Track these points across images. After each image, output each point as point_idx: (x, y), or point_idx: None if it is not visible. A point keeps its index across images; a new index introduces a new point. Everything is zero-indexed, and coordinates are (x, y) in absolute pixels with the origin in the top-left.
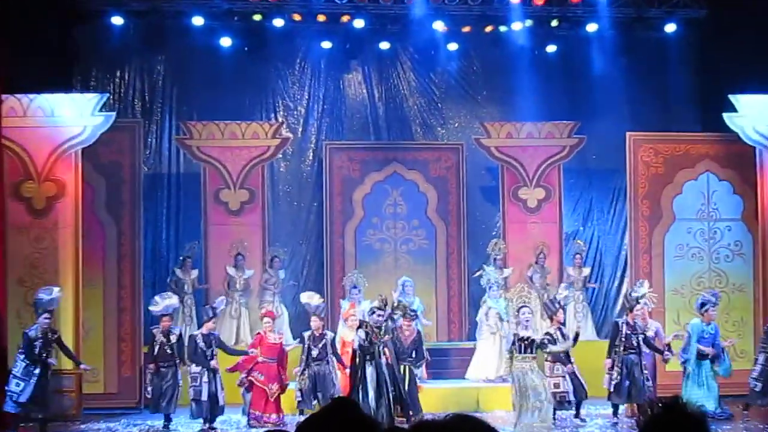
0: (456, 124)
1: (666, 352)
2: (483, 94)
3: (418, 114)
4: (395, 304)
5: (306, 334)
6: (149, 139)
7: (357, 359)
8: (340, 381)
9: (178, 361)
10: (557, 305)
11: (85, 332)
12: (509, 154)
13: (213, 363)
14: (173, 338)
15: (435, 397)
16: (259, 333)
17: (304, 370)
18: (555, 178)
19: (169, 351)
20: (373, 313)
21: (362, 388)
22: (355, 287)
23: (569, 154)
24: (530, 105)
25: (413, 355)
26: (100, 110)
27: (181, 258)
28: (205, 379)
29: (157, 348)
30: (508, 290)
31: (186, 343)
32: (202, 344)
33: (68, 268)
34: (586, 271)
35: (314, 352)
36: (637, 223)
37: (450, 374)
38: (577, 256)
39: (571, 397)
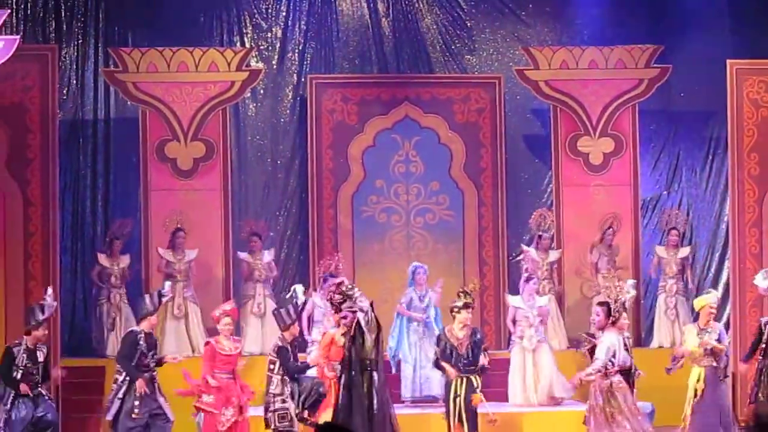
0: (490, 50)
1: None
2: (528, 8)
3: (438, 36)
4: (464, 294)
5: (288, 346)
6: (67, 73)
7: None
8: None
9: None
10: (621, 307)
11: None
12: (564, 91)
13: (144, 377)
14: (40, 356)
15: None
16: (208, 342)
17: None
18: (628, 125)
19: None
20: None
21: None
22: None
23: (648, 90)
24: (593, 22)
25: (471, 360)
26: None
27: (107, 239)
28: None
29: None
30: (554, 280)
31: (121, 340)
32: (143, 345)
33: None
34: (684, 251)
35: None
36: (741, 185)
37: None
38: (673, 231)
39: None
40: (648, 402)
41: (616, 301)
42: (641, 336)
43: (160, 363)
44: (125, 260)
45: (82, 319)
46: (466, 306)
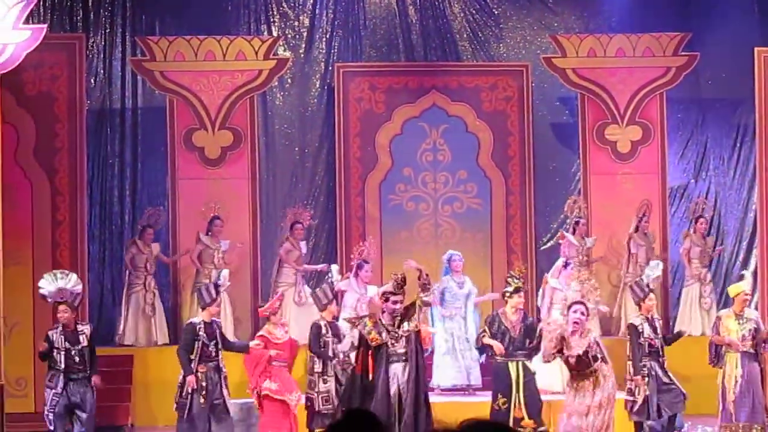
0: (518, 38)
1: None
2: None
3: (465, 24)
4: (513, 278)
5: (323, 323)
6: (94, 62)
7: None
8: None
9: (88, 371)
10: (646, 289)
11: (8, 329)
12: (592, 79)
13: (214, 365)
14: (83, 340)
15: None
16: (261, 335)
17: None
18: (655, 113)
19: (77, 357)
20: (387, 299)
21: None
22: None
23: (675, 78)
24: (621, 10)
25: (525, 345)
26: (27, 21)
27: (140, 227)
28: (189, 389)
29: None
30: (590, 267)
31: (183, 335)
32: (203, 336)
33: None
34: (711, 240)
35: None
36: None
37: None
38: (701, 220)
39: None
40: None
41: (588, 299)
42: (669, 323)
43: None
44: (156, 248)
45: (111, 307)
46: (517, 290)
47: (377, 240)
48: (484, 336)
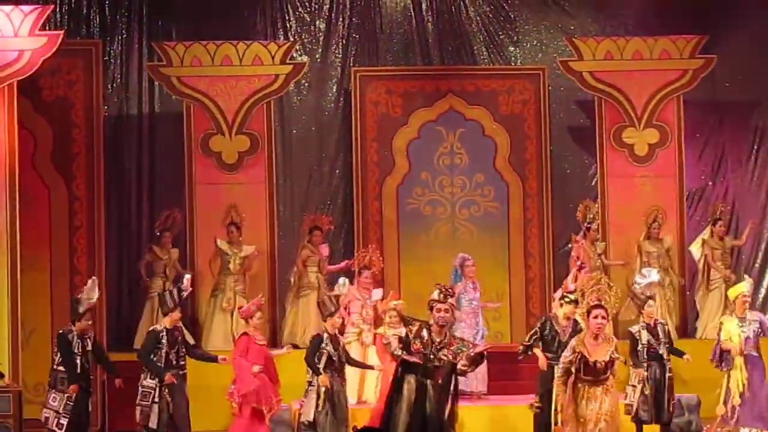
0: (534, 42)
1: None
2: None
3: (481, 28)
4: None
5: (325, 336)
6: (111, 68)
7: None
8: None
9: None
10: (642, 297)
11: (26, 335)
12: (609, 82)
13: (170, 375)
14: (89, 344)
15: (503, 419)
16: (245, 334)
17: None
18: (673, 115)
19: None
20: (432, 308)
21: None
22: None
23: (693, 81)
24: (638, 12)
25: None
26: (44, 27)
27: (157, 232)
28: (156, 397)
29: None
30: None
31: (144, 342)
32: (165, 344)
33: None
34: (731, 242)
35: (335, 360)
36: None
37: (527, 388)
38: (720, 223)
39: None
40: (693, 393)
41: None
42: (687, 327)
43: (210, 359)
44: (175, 253)
45: (128, 313)
46: (575, 302)
47: (395, 244)
48: (535, 337)
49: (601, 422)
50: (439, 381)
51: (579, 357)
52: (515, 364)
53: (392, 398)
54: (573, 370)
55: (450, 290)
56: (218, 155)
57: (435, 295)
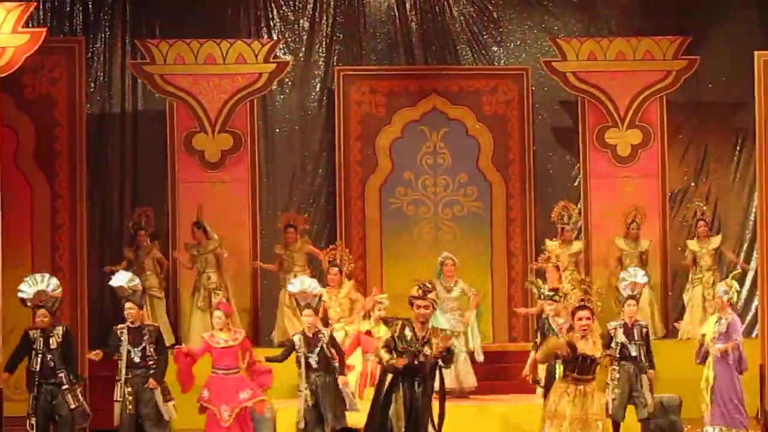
0: (518, 42)
1: None
2: None
3: (465, 28)
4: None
5: (296, 338)
6: (94, 65)
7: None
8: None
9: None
10: (622, 295)
11: (7, 332)
12: (592, 83)
13: (142, 372)
14: (53, 341)
15: (491, 419)
16: (203, 338)
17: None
18: (656, 116)
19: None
20: (412, 304)
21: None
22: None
23: (676, 82)
24: (621, 13)
25: None
26: (27, 24)
27: (131, 231)
28: (118, 396)
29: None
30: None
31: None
32: (126, 341)
33: None
34: (716, 241)
35: (312, 361)
36: None
37: (509, 388)
38: (701, 223)
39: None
40: (675, 394)
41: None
42: (669, 327)
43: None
44: (156, 252)
45: (111, 312)
46: (556, 301)
47: (377, 244)
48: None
49: (596, 424)
50: (426, 372)
51: (572, 347)
52: (500, 363)
53: (382, 403)
54: (565, 353)
55: (429, 286)
56: (201, 153)
57: (414, 291)
